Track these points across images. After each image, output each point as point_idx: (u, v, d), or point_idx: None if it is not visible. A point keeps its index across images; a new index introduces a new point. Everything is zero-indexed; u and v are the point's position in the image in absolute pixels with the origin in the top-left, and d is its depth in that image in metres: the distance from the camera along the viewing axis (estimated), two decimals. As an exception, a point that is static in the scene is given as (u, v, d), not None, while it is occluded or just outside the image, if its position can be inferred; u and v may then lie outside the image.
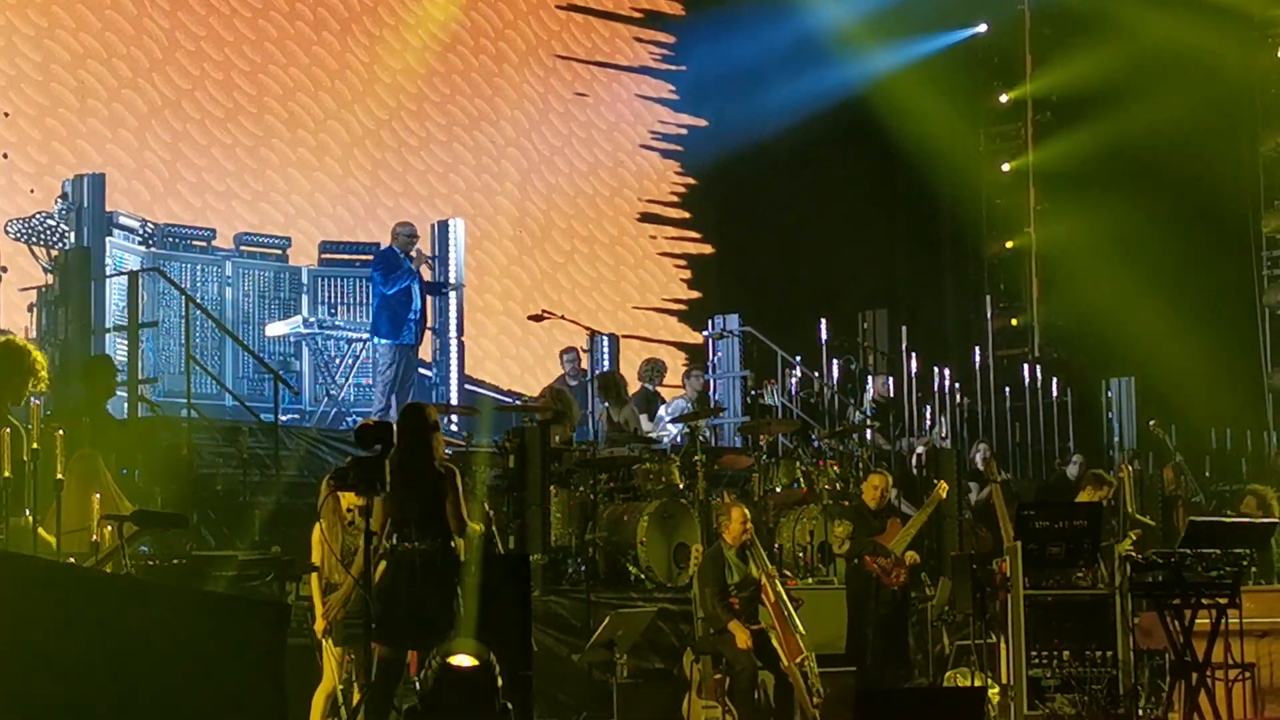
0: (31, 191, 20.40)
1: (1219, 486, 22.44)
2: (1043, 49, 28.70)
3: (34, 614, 7.61)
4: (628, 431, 19.27)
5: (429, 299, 21.00)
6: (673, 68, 26.38)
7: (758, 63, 25.78)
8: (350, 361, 20.94)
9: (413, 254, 20.08)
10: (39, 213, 19.45)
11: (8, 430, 11.01)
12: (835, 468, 19.60)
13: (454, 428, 19.52)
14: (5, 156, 20.50)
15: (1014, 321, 28.44)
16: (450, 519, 12.36)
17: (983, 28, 28.83)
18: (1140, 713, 15.69)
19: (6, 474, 10.84)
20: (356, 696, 12.24)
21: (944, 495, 17.51)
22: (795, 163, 26.03)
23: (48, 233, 19.21)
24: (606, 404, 19.47)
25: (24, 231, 19.16)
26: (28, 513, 11.25)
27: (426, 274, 21.06)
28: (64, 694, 7.53)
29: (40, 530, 11.33)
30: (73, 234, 19.20)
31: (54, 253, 19.19)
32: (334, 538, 12.99)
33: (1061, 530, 16.18)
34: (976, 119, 29.24)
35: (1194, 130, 26.52)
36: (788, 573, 17.12)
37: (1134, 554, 16.20)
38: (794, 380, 22.22)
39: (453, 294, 21.75)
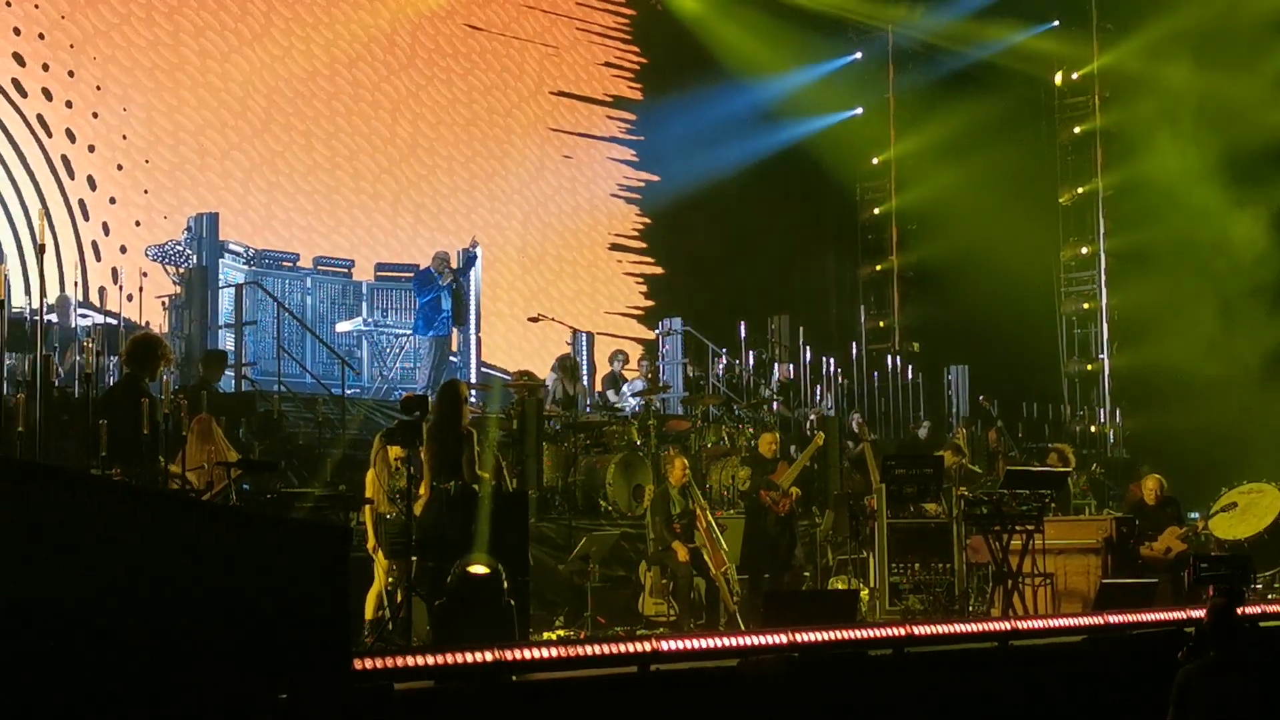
0: (165, 217, 20.41)
1: (1028, 445, 22.51)
2: (901, 125, 28.73)
3: (160, 534, 7.65)
4: (576, 401, 19.31)
5: (456, 289, 21.02)
6: (634, 137, 26.34)
7: (696, 134, 25.76)
8: (398, 351, 20.96)
9: (444, 272, 20.13)
10: (170, 240, 19.48)
11: (146, 400, 11.06)
12: (750, 429, 19.68)
13: (473, 399, 19.54)
14: (146, 193, 20.51)
15: (881, 324, 28.47)
16: (465, 468, 12.42)
17: (859, 110, 28.79)
18: (970, 608, 15.77)
19: (145, 430, 10.90)
20: (400, 596, 12.28)
21: (820, 444, 17.56)
22: (723, 207, 26.08)
23: (176, 255, 19.24)
24: (562, 380, 19.46)
25: (160, 254, 19.21)
26: (161, 459, 11.31)
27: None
28: (184, 597, 7.57)
29: (170, 467, 11.39)
30: (194, 256, 19.25)
31: (181, 270, 19.22)
32: (384, 480, 13.02)
33: (914, 476, 16.22)
34: (855, 175, 29.24)
35: (1015, 179, 26.58)
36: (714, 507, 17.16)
37: (967, 493, 16.27)
38: (721, 366, 22.25)
39: (472, 302, 21.79)
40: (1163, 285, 25.55)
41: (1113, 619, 13.79)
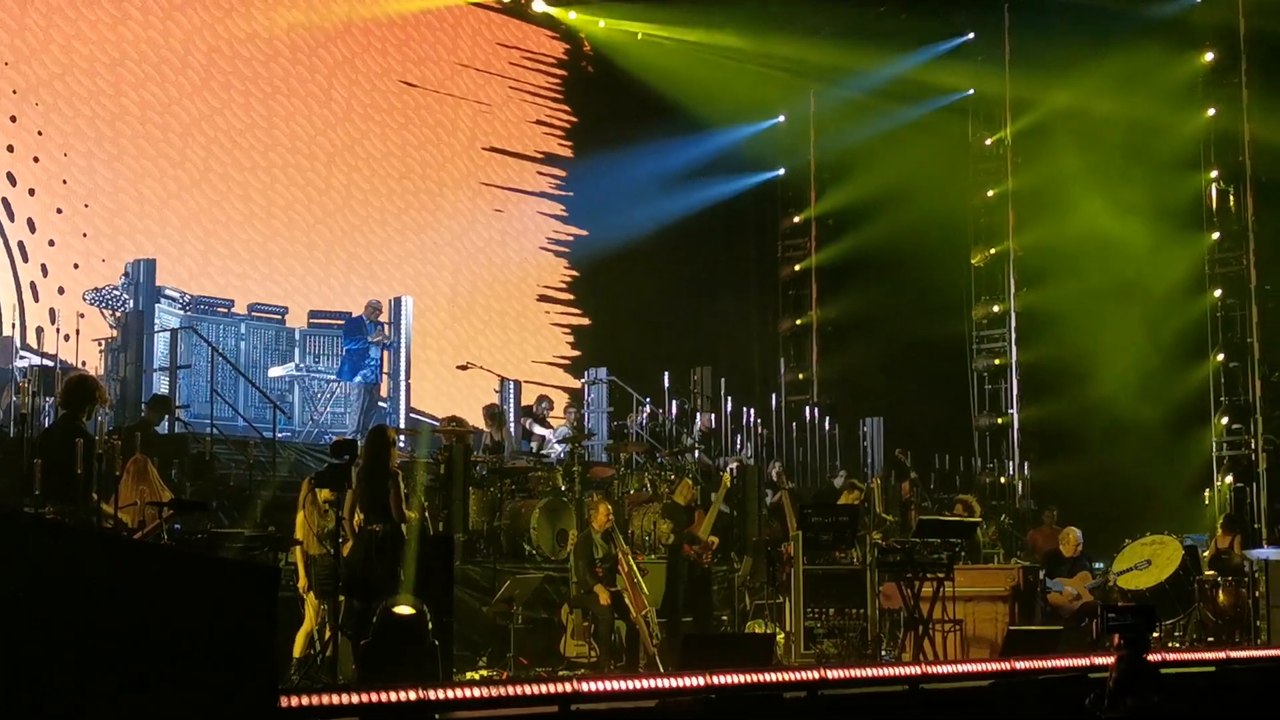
0: (103, 261, 20.25)
1: (940, 495, 22.58)
2: (821, 185, 28.91)
3: (89, 572, 7.56)
4: (503, 448, 19.26)
5: (385, 352, 21.00)
6: (563, 193, 26.40)
7: (624, 191, 25.82)
8: (329, 396, 20.86)
9: (376, 322, 20.11)
10: (108, 285, 19.34)
11: (81, 440, 10.95)
12: (672, 476, 19.68)
13: (402, 443, 19.44)
14: (85, 236, 20.36)
15: (800, 376, 28.55)
16: (392, 510, 12.35)
17: (781, 171, 28.97)
18: (882, 653, 15.79)
19: (80, 470, 10.79)
20: (327, 634, 12.19)
21: (729, 484, 17.63)
22: (648, 261, 26.09)
23: (114, 300, 19.09)
24: (488, 429, 19.44)
25: (97, 299, 19.06)
26: (95, 496, 11.23)
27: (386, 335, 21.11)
28: (112, 633, 7.47)
29: (103, 505, 11.31)
30: (131, 301, 19.09)
31: (118, 314, 19.07)
32: (313, 522, 12.97)
33: (830, 524, 16.27)
34: (777, 234, 29.39)
35: (928, 239, 26.76)
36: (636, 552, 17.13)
37: (880, 541, 16.32)
38: (644, 415, 22.23)
39: (402, 349, 21.75)
40: (1070, 343, 25.74)
41: (1019, 664, 13.83)
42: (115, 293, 19.19)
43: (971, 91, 27.78)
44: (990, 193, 27.75)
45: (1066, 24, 25.03)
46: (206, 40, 22.14)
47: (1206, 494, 24.56)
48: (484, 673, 14.31)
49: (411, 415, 21.96)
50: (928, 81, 27.26)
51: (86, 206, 20.56)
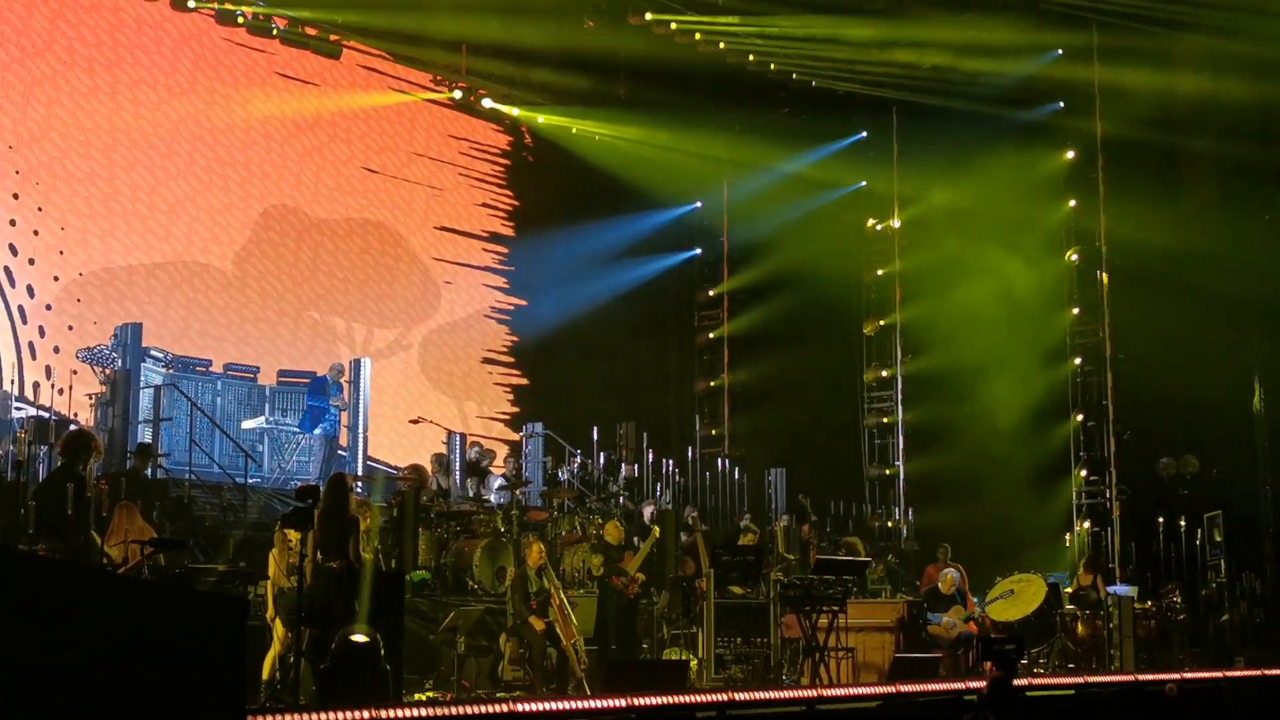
0: (95, 323, 20.09)
1: (834, 537, 22.65)
2: (733, 264, 29.08)
3: (77, 603, 7.51)
4: (449, 493, 19.18)
5: (344, 411, 20.96)
6: (506, 268, 26.40)
7: (557, 267, 25.90)
8: (295, 446, 20.72)
9: (339, 382, 20.11)
10: (99, 345, 19.20)
11: (73, 485, 10.89)
12: (600, 520, 19.67)
13: (359, 489, 19.37)
14: (79, 301, 20.22)
15: (713, 431, 28.57)
16: (350, 549, 12.30)
17: (698, 250, 29.14)
18: (783, 677, 15.81)
19: (70, 512, 10.71)
20: (291, 660, 12.11)
21: (657, 536, 17.59)
22: (581, 328, 26.16)
23: (104, 358, 18.95)
24: (437, 476, 19.39)
25: (89, 356, 18.93)
26: (96, 535, 11.21)
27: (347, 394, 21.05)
28: (98, 658, 7.41)
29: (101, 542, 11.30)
30: (120, 360, 18.95)
31: (108, 370, 18.93)
32: (282, 558, 12.91)
33: (738, 563, 16.32)
34: (694, 305, 29.49)
35: (827, 311, 27.00)
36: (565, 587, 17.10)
37: (782, 578, 16.37)
38: (575, 465, 22.22)
39: (361, 405, 21.71)
40: (950, 404, 25.98)
41: (903, 688, 13.89)
42: (105, 351, 19.06)
43: (864, 184, 28.05)
44: (880, 272, 27.99)
45: (947, 126, 25.34)
46: (190, 130, 22.08)
47: (1067, 537, 24.77)
48: (430, 694, 14.22)
49: (368, 463, 21.87)
50: (824, 177, 27.55)
51: (80, 275, 20.43)
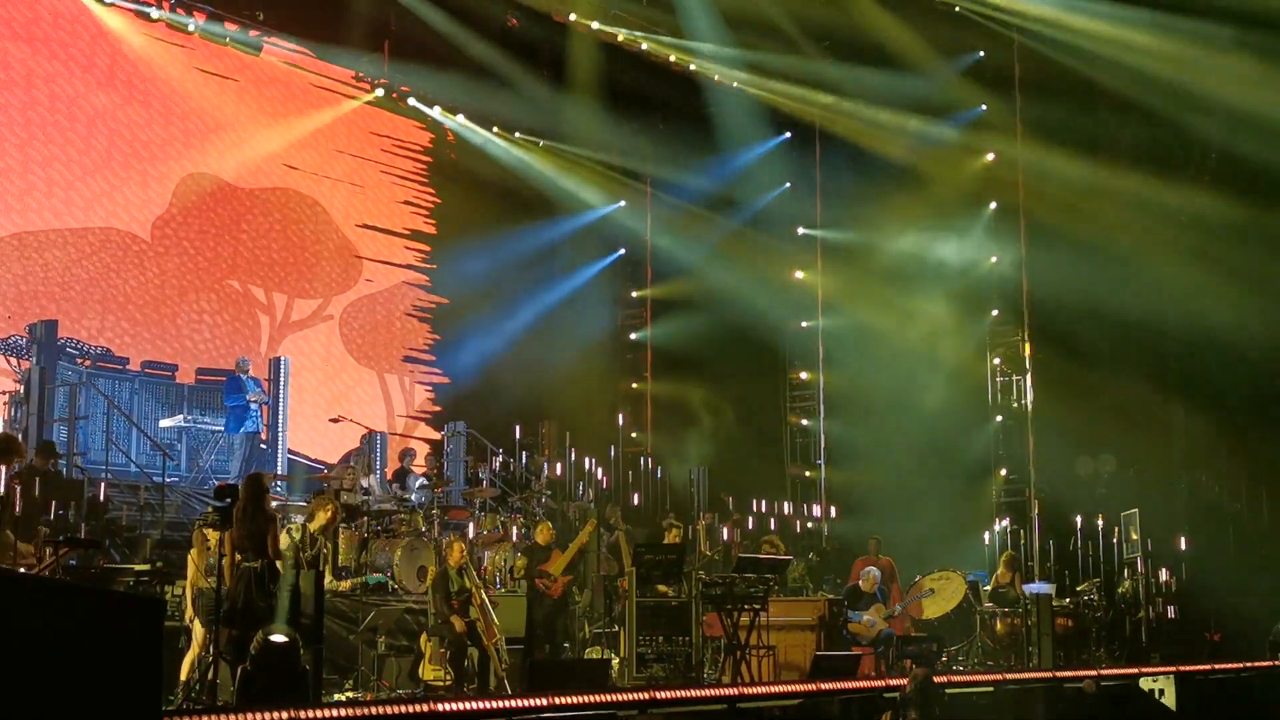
0: (8, 319, 19.76)
1: (756, 536, 22.74)
2: (657, 264, 29.11)
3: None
4: (373, 493, 19.05)
5: (264, 407, 20.77)
6: (428, 265, 26.29)
7: (479, 265, 25.84)
8: (213, 445, 20.52)
9: (248, 375, 20.00)
10: (13, 335, 18.95)
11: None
12: (521, 519, 19.64)
13: (278, 488, 19.24)
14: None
15: (634, 434, 28.49)
16: (269, 547, 12.22)
17: (623, 251, 29.09)
18: (705, 675, 15.86)
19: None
20: (210, 660, 12.02)
21: (586, 538, 17.55)
22: (504, 327, 26.14)
23: (18, 349, 18.69)
24: (364, 478, 19.28)
25: (3, 347, 18.65)
26: (10, 534, 11.07)
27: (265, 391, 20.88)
28: (10, 661, 7.32)
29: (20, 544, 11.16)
30: (34, 358, 18.68)
31: (24, 363, 18.66)
32: (201, 559, 12.81)
33: (660, 562, 16.33)
34: (618, 304, 29.44)
35: (751, 321, 27.14)
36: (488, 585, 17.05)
37: (703, 576, 16.41)
38: (496, 464, 22.15)
39: (281, 403, 21.54)
40: (875, 408, 26.37)
41: (824, 685, 13.98)
42: (20, 342, 18.76)
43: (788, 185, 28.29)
44: (800, 274, 28.18)
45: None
46: (108, 124, 21.81)
47: (985, 535, 25.01)
48: (350, 694, 14.15)
49: (288, 456, 21.72)
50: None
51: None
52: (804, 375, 28.11)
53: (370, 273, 25.46)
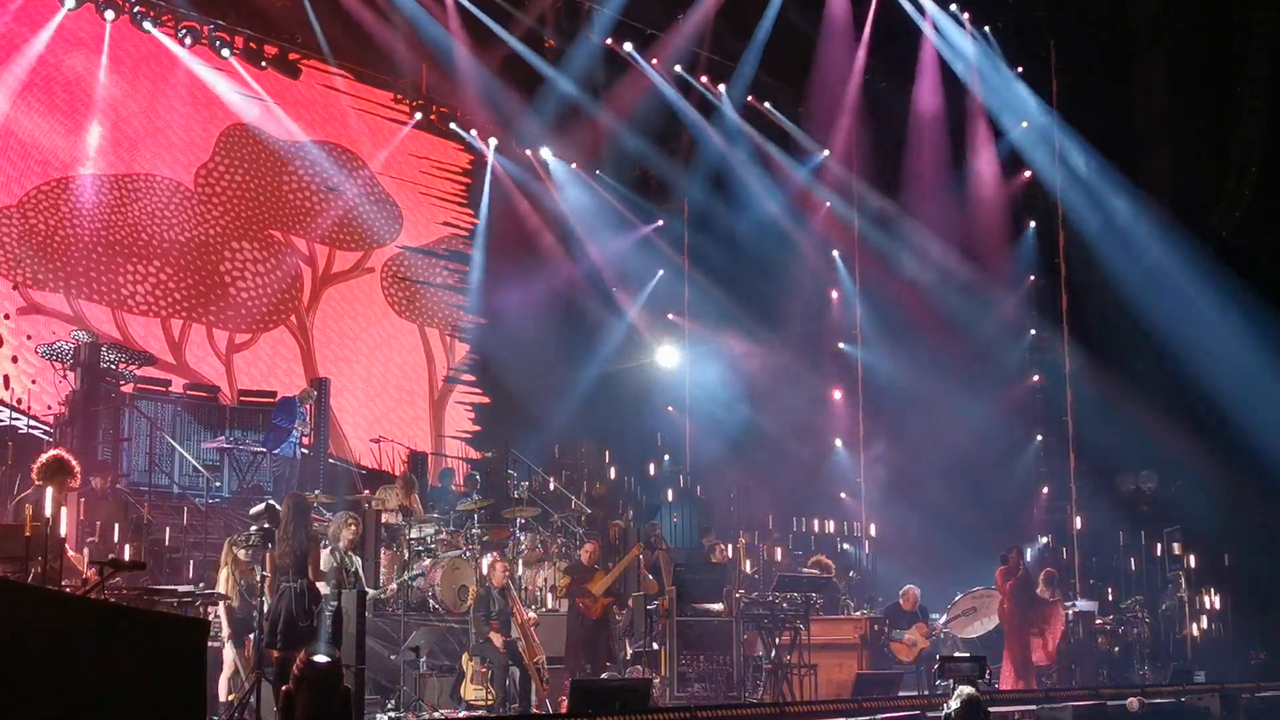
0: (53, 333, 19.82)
1: (797, 554, 22.67)
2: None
3: (38, 626, 7.47)
4: (415, 512, 19.03)
5: (305, 438, 20.78)
6: (467, 287, 26.35)
7: (523, 288, 25.90)
8: (255, 466, 20.56)
9: (305, 405, 20.07)
10: (59, 341, 18.97)
11: (30, 507, 10.79)
12: (561, 538, 19.64)
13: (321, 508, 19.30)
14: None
15: (667, 456, 28.19)
16: (310, 569, 12.29)
17: (661, 272, 28.94)
18: (746, 695, 15.83)
19: (27, 534, 10.61)
20: (251, 681, 12.07)
21: (635, 557, 17.51)
22: (542, 348, 26.17)
23: (64, 354, 18.69)
24: (400, 495, 19.27)
25: (49, 352, 18.69)
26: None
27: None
28: (61, 680, 7.37)
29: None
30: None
31: (67, 365, 18.62)
32: (236, 578, 12.89)
33: (701, 581, 16.32)
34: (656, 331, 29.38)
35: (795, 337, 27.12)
36: (531, 605, 17.06)
37: (745, 595, 16.40)
38: (537, 483, 22.11)
39: (322, 424, 21.60)
40: (910, 428, 26.31)
41: (866, 704, 13.93)
42: (65, 348, 18.73)
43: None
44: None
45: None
46: (150, 146, 21.94)
47: (1028, 552, 24.86)
48: (393, 715, 14.19)
49: (329, 460, 21.66)
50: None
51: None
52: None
53: (412, 293, 25.51)
